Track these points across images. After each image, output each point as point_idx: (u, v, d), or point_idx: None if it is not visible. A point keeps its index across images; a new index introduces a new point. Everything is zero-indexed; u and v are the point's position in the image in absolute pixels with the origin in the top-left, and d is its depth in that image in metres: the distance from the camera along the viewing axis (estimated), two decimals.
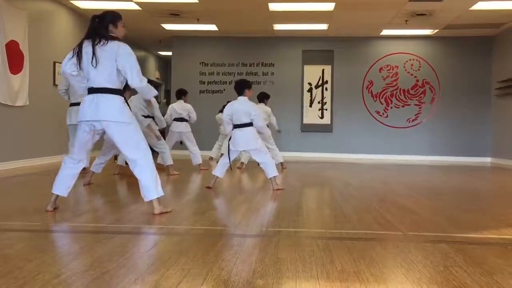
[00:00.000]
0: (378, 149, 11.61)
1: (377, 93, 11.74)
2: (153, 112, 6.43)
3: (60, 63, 4.08)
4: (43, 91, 8.21)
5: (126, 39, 3.76)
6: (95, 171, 5.57)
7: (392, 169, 8.78)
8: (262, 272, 2.21)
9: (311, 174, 7.56)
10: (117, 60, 3.47)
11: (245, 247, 2.68)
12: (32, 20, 7.82)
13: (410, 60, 11.66)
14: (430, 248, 2.75)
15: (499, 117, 10.95)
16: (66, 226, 3.29)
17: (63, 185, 3.67)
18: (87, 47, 3.50)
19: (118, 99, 3.54)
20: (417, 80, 11.65)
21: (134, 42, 12.09)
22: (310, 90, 11.85)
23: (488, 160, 11.33)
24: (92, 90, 3.53)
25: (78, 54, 3.50)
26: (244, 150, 5.45)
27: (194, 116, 7.48)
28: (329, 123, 11.79)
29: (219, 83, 11.93)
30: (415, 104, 11.67)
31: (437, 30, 10.80)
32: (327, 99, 11.80)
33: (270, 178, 5.25)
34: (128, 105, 3.69)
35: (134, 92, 4.29)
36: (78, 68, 3.54)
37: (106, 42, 3.48)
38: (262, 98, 8.02)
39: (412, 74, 11.66)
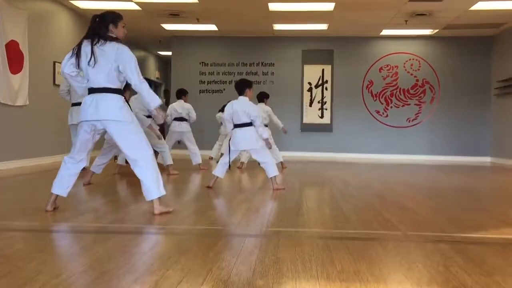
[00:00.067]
0: (378, 149, 11.61)
1: (377, 92, 11.74)
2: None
3: (60, 63, 4.07)
4: (43, 91, 8.21)
5: (126, 39, 3.76)
6: (95, 171, 5.56)
7: (392, 168, 8.78)
8: (262, 272, 2.21)
9: (311, 174, 7.56)
10: (118, 63, 3.46)
11: (245, 247, 2.68)
12: (32, 20, 7.82)
13: (410, 60, 11.67)
14: (430, 248, 2.75)
15: (499, 116, 10.96)
16: (66, 226, 3.29)
17: (62, 185, 3.66)
18: (86, 47, 3.49)
19: (118, 98, 3.53)
20: (417, 80, 11.65)
21: (134, 42, 12.10)
22: (310, 90, 11.85)
23: (488, 159, 11.33)
24: (92, 90, 3.53)
25: (77, 54, 3.50)
26: (244, 150, 5.45)
27: (193, 115, 7.49)
28: (329, 122, 11.79)
29: (219, 83, 11.93)
30: (415, 104, 11.67)
31: (437, 30, 10.80)
32: (327, 98, 11.80)
33: (271, 178, 5.25)
34: (129, 104, 3.68)
35: (134, 92, 4.29)
36: (77, 68, 3.54)
37: (105, 42, 3.47)
38: (262, 97, 8.02)
39: (412, 74, 11.66)
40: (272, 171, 5.22)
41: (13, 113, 7.32)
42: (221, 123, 9.56)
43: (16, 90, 7.31)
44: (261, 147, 5.24)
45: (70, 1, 8.86)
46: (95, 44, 3.46)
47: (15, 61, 7.29)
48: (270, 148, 5.50)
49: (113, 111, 3.49)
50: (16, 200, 4.52)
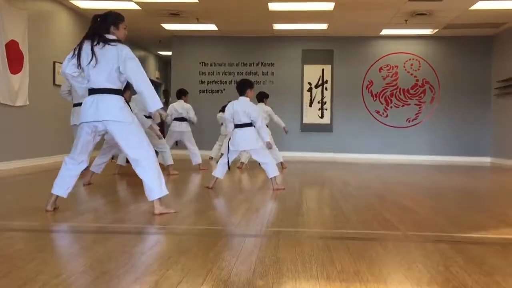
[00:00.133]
0: (378, 149, 11.61)
1: (377, 92, 11.74)
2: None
3: (60, 63, 4.08)
4: (43, 91, 8.21)
5: (126, 39, 3.75)
6: (95, 171, 5.57)
7: (392, 168, 8.78)
8: (262, 272, 2.21)
9: (311, 174, 7.56)
10: (119, 64, 3.46)
11: (245, 247, 2.68)
12: (32, 20, 7.82)
13: (410, 59, 11.67)
14: (430, 248, 2.75)
15: (499, 117, 10.96)
16: (66, 226, 3.29)
17: (63, 186, 3.66)
18: (86, 47, 3.49)
19: (118, 99, 3.53)
20: (417, 80, 11.66)
21: (134, 42, 12.10)
22: (310, 90, 11.85)
23: (487, 160, 11.33)
24: (92, 91, 3.52)
25: (78, 55, 3.50)
26: (244, 150, 5.45)
27: (193, 115, 7.48)
28: (329, 122, 11.79)
29: (219, 83, 11.93)
30: (415, 104, 11.67)
31: (437, 30, 10.80)
32: (327, 98, 11.81)
33: (271, 178, 5.25)
34: (129, 105, 3.68)
35: (134, 92, 4.28)
36: (78, 68, 3.53)
37: (105, 43, 3.47)
38: (261, 97, 8.02)
39: (412, 74, 11.66)
40: (272, 171, 5.22)
41: (13, 113, 7.32)
42: (222, 123, 9.57)
43: (16, 90, 7.31)
44: (261, 147, 5.23)
45: (70, 1, 8.86)
46: (96, 44, 3.46)
47: (15, 61, 7.29)
48: (270, 148, 5.50)
49: (114, 112, 3.49)
50: (16, 200, 4.52)
